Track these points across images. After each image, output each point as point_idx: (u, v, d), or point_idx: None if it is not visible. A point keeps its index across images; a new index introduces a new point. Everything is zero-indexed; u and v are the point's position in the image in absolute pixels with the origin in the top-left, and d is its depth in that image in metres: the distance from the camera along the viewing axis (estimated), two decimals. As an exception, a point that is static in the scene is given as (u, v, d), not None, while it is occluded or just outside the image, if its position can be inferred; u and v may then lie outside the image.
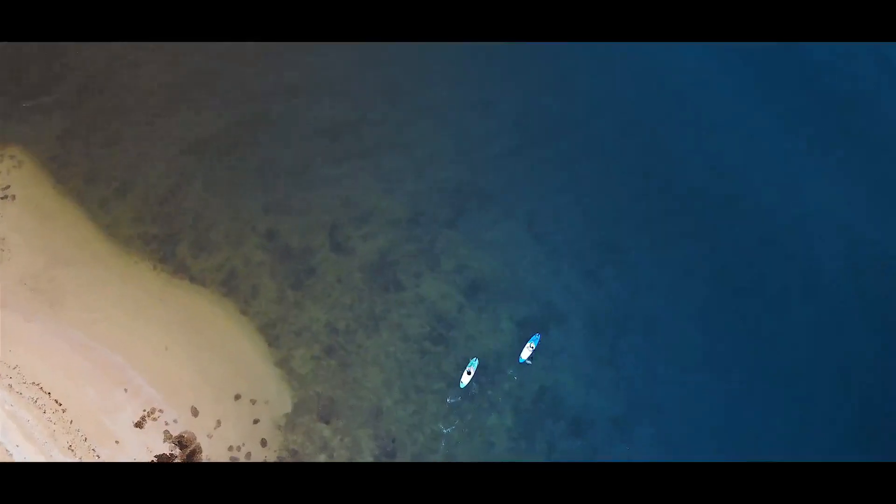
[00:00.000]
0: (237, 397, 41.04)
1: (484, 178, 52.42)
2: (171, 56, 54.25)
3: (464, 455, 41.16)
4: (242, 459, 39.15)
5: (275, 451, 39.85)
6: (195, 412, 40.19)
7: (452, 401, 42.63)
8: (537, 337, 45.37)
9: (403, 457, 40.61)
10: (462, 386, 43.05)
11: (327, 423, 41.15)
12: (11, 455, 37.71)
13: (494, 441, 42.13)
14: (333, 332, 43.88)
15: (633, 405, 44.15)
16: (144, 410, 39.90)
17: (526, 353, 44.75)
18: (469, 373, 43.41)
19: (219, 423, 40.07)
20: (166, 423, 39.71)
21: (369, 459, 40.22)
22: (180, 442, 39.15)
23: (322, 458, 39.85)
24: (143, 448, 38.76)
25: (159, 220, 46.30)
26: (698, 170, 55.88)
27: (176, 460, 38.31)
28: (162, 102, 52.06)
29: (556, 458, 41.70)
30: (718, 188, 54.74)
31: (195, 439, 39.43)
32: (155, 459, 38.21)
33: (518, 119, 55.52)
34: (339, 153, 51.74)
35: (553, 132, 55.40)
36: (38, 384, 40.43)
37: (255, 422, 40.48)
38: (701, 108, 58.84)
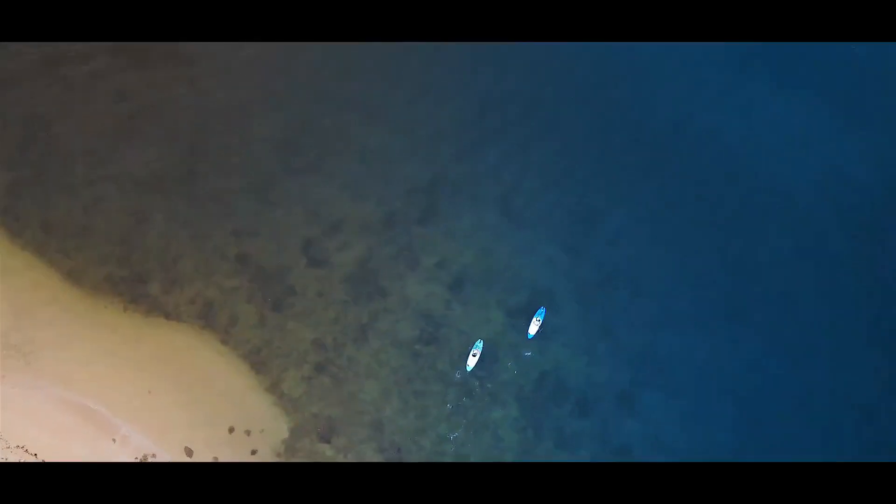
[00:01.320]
0: (231, 430, 39.57)
1: (451, 170, 51.58)
2: (111, 89, 52.43)
3: (473, 453, 40.15)
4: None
5: (278, 479, 38.61)
6: (189, 452, 38.69)
7: (451, 407, 41.57)
8: (542, 311, 44.92)
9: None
10: (469, 369, 42.37)
11: (328, 442, 39.86)
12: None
13: (503, 435, 41.20)
14: (322, 349, 42.54)
15: (635, 375, 43.49)
16: (137, 458, 38.31)
17: (534, 329, 44.32)
18: (474, 355, 42.78)
19: (215, 459, 38.63)
20: (161, 469, 38.23)
21: (377, 474, 39.13)
22: (178, 485, 37.71)
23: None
24: (140, 498, 37.24)
25: (124, 261, 44.45)
26: (673, 130, 55.88)
27: None
28: (109, 140, 50.15)
29: (567, 440, 40.87)
30: (698, 147, 54.91)
31: (193, 480, 38.01)
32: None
33: (474, 111, 55.04)
34: (300, 166, 50.44)
35: (509, 118, 54.97)
36: (22, 447, 38.63)
37: (253, 452, 39.06)
38: (660, 63, 58.68)
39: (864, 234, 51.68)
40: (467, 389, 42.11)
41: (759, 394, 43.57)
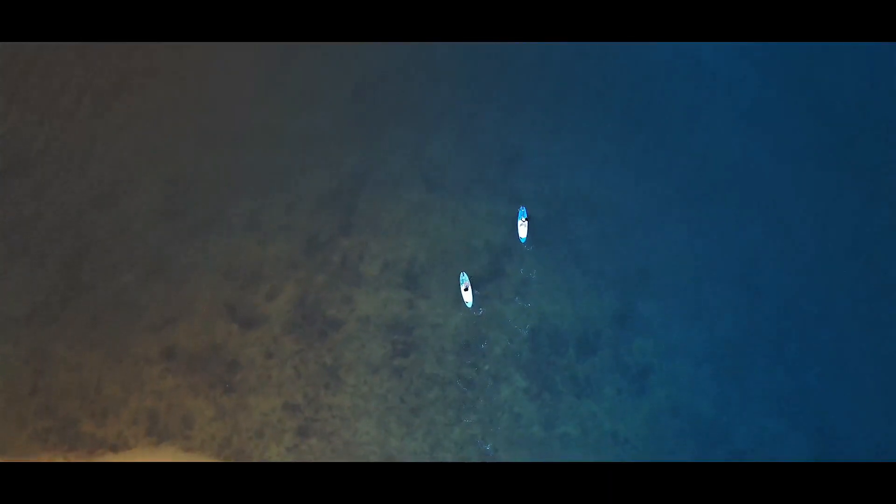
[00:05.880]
0: (236, 539, 35.02)
1: (356, 166, 46.92)
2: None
3: (497, 441, 36.82)
4: None
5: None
6: (201, 583, 34.09)
7: (468, 422, 37.85)
8: (523, 210, 43.07)
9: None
10: (469, 305, 40.16)
11: (344, 501, 35.78)
12: None
13: (519, 411, 37.85)
14: (296, 411, 37.98)
15: (624, 293, 40.46)
16: None
17: (523, 232, 42.70)
18: (466, 289, 40.51)
19: (232, 577, 34.13)
20: None
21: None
22: None
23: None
24: None
25: (42, 411, 38.95)
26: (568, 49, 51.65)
27: None
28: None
29: (585, 386, 37.96)
30: (603, 55, 50.80)
31: None
32: None
33: (349, 100, 50.47)
34: (193, 223, 45.18)
35: (388, 91, 50.55)
36: None
37: (270, 551, 34.70)
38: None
39: (797, 79, 48.57)
40: (467, 381, 38.37)
41: (753, 268, 41.05)
